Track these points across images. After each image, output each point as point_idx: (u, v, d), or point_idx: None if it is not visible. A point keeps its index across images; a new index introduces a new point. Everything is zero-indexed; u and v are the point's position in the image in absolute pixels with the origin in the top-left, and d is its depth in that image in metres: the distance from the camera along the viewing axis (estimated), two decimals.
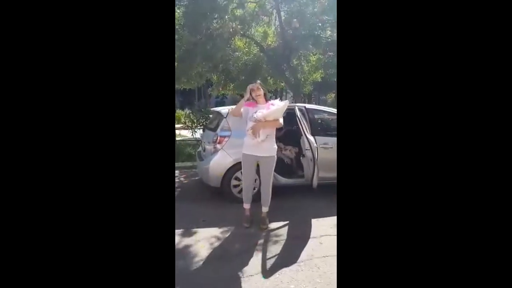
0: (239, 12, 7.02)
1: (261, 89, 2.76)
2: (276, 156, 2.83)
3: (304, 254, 2.41)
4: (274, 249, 2.50)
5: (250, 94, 2.76)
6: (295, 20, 6.63)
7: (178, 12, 6.77)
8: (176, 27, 6.73)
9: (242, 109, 2.80)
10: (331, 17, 6.35)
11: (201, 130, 6.95)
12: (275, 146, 2.81)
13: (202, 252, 2.43)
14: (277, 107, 2.63)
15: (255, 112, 2.66)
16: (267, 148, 2.74)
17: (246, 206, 2.96)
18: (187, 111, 9.11)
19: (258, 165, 2.84)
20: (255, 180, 3.16)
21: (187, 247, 2.52)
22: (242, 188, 3.51)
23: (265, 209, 2.93)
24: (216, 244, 2.59)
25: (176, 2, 6.80)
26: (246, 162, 2.83)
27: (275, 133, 2.80)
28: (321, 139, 3.66)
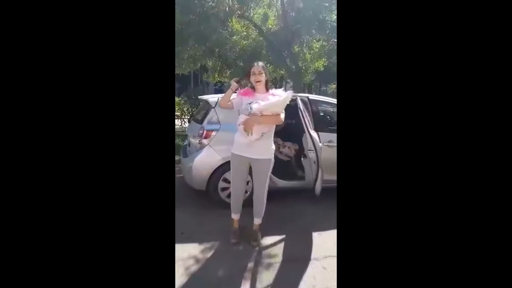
0: None
1: (264, 74, 2.15)
2: (273, 159, 2.27)
3: (303, 285, 1.91)
4: (266, 277, 1.99)
5: (248, 78, 2.18)
6: None
7: None
8: None
9: (235, 98, 2.22)
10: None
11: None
12: (273, 147, 2.25)
13: (176, 280, 1.91)
14: (278, 99, 2.04)
15: (251, 103, 2.07)
16: (262, 148, 2.18)
17: (235, 216, 2.43)
18: (181, 99, 8.47)
19: (250, 167, 2.30)
20: (247, 182, 2.62)
21: None
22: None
23: (257, 221, 2.40)
24: (194, 268, 2.07)
25: None
26: (235, 165, 2.29)
27: (273, 130, 2.22)
28: (326, 135, 3.12)
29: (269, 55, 7.46)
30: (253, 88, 2.18)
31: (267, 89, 2.20)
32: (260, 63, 2.21)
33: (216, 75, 9.26)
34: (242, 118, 2.12)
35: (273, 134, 2.22)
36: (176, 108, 6.82)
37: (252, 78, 2.15)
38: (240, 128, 2.13)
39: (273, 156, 2.26)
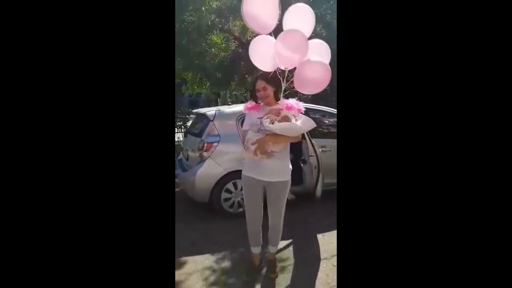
0: (215, 4, 6.51)
1: (269, 88, 1.85)
2: (290, 180, 1.98)
3: (319, 284, 2.03)
4: (283, 280, 2.09)
5: (254, 97, 1.93)
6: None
7: None
8: None
9: (245, 118, 1.99)
10: (317, 10, 6.04)
11: (178, 133, 6.38)
12: (290, 166, 1.96)
13: None
14: (298, 127, 1.76)
15: (261, 118, 1.80)
16: (277, 168, 1.88)
17: (255, 250, 2.11)
18: None
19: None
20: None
21: (178, 284, 2.03)
22: (233, 202, 3.09)
23: (273, 249, 2.14)
24: (212, 278, 2.12)
25: None
26: (248, 189, 1.98)
27: (288, 147, 1.94)
28: (319, 141, 3.30)
29: (248, 66, 7.64)
30: (258, 101, 1.91)
31: (277, 100, 1.89)
32: (259, 77, 1.86)
33: (196, 87, 9.31)
34: (252, 135, 1.83)
35: (288, 150, 1.94)
36: None
37: (258, 95, 1.88)
38: (251, 148, 1.81)
39: (290, 176, 1.98)
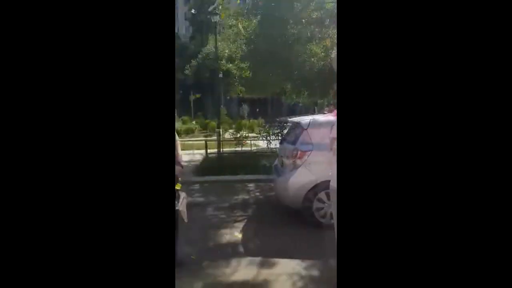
0: (316, 14, 6.59)
1: None
2: None
3: None
4: None
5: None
6: None
7: (254, 21, 6.73)
8: (252, 36, 6.73)
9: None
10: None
11: (275, 140, 6.69)
12: None
13: None
14: None
15: None
16: None
17: None
18: (261, 120, 9.03)
19: None
20: None
21: (267, 283, 2.16)
22: (325, 213, 3.05)
23: None
24: (300, 284, 2.16)
25: (252, 11, 6.86)
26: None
27: None
28: None
29: None
30: None
31: None
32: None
33: (294, 96, 9.58)
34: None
35: None
36: (261, 130, 7.30)
37: None
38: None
39: None
